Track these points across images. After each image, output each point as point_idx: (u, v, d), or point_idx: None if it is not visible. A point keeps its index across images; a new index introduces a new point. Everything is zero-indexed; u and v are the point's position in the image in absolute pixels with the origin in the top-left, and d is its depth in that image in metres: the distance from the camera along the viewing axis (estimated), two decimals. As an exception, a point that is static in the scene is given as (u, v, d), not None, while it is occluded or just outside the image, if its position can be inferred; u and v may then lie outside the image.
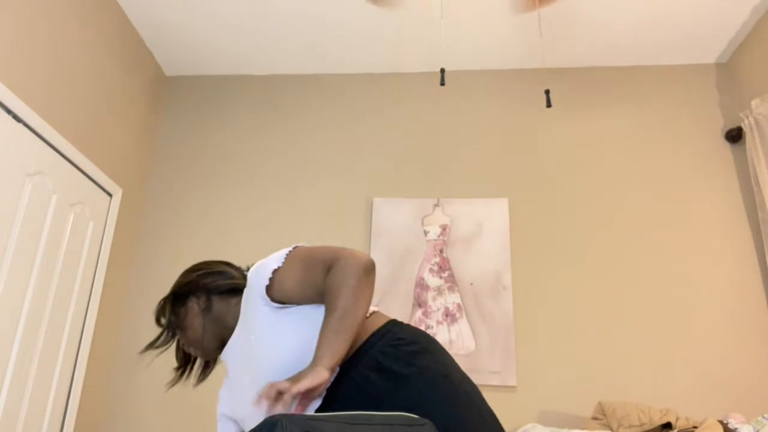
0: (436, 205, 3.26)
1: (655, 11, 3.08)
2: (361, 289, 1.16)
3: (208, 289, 1.36)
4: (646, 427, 2.39)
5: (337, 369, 1.14)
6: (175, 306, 1.36)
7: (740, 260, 3.00)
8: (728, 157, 3.22)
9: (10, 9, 2.38)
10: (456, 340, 2.96)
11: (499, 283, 3.05)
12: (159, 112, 3.69)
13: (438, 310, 3.03)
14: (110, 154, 3.14)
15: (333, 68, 3.65)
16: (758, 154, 2.94)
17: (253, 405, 1.06)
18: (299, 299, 1.23)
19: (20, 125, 2.44)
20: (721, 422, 2.26)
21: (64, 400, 2.77)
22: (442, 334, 2.98)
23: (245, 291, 1.31)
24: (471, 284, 3.07)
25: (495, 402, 2.85)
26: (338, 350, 1.11)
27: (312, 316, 1.21)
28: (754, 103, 2.99)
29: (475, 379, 2.87)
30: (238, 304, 1.34)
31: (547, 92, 2.31)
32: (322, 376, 1.06)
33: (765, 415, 2.29)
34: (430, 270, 3.12)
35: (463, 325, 2.99)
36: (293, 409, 1.07)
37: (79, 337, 2.87)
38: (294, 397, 1.02)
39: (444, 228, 3.20)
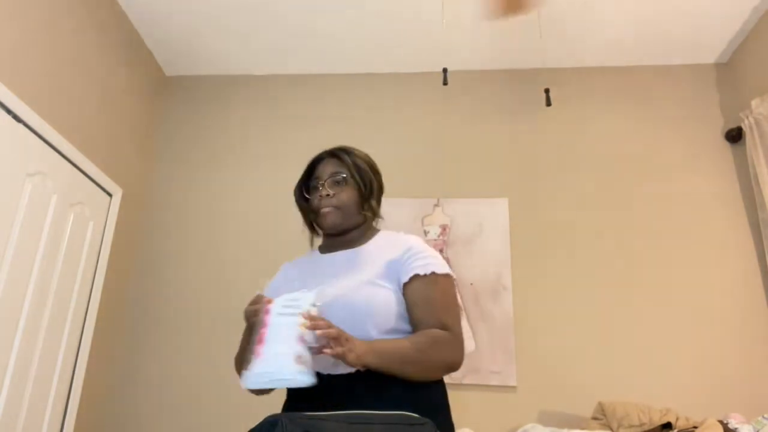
0: (436, 205, 3.26)
1: (655, 11, 3.08)
2: (438, 372, 1.24)
3: (378, 195, 1.48)
4: (646, 427, 2.39)
5: (359, 370, 1.15)
6: (365, 174, 1.42)
7: (740, 260, 3.00)
8: (728, 157, 3.22)
9: (10, 9, 2.38)
10: (456, 340, 2.96)
11: (499, 283, 3.05)
12: (159, 112, 3.69)
13: (438, 310, 3.03)
14: (110, 154, 3.14)
15: (333, 68, 3.65)
16: (758, 154, 2.94)
17: (306, 318, 1.07)
18: (409, 307, 1.26)
19: (20, 125, 2.44)
20: (721, 422, 2.26)
21: (64, 400, 2.77)
22: (442, 334, 2.98)
23: (384, 240, 1.38)
24: (471, 284, 3.07)
25: (495, 402, 2.85)
26: (383, 364, 1.14)
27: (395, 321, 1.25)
28: (754, 103, 2.99)
29: (475, 379, 2.87)
30: (374, 232, 1.42)
31: (547, 91, 2.31)
32: (352, 359, 1.08)
33: (765, 415, 2.29)
34: (430, 270, 3.11)
35: (463, 325, 2.99)
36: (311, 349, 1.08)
37: (79, 337, 2.87)
38: (326, 346, 1.05)
39: (444, 228, 3.20)
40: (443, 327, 1.23)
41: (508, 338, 2.94)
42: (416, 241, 1.36)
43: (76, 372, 2.84)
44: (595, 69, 3.51)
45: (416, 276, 1.26)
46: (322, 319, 1.08)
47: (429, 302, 1.25)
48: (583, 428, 2.55)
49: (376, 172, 1.47)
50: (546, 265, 3.09)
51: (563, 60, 3.48)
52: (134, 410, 3.04)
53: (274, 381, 1.03)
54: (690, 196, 3.16)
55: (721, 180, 3.17)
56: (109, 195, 3.14)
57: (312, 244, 1.48)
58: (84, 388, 2.89)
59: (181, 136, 3.64)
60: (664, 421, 2.37)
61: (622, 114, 3.39)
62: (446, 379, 1.35)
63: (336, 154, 1.42)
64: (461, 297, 3.04)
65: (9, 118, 2.37)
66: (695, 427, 2.27)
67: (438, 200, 3.26)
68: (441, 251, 3.15)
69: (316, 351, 1.06)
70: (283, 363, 1.01)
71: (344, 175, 1.38)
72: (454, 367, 1.23)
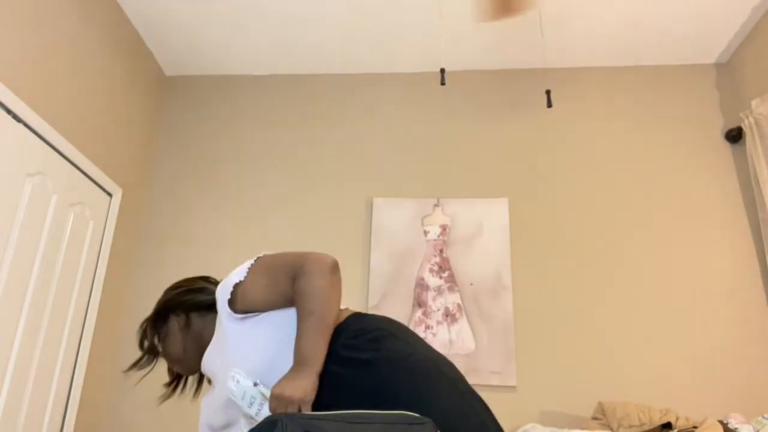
0: (436, 205, 3.26)
1: (655, 11, 3.08)
2: (331, 290, 1.20)
3: (187, 306, 1.39)
4: (646, 427, 2.39)
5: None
6: (156, 325, 1.41)
7: (740, 260, 3.00)
8: (728, 157, 3.22)
9: (10, 9, 2.38)
10: (456, 340, 2.96)
11: (499, 283, 3.05)
12: (159, 112, 3.69)
13: (438, 310, 3.03)
14: (110, 154, 3.14)
15: (333, 68, 3.65)
16: (758, 154, 2.94)
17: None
18: (264, 306, 1.26)
19: (20, 125, 2.44)
20: (721, 422, 2.26)
21: (64, 400, 2.77)
22: (442, 334, 2.99)
23: (217, 307, 1.33)
24: (471, 284, 3.07)
25: (495, 402, 2.85)
26: (322, 353, 1.15)
27: (277, 320, 1.25)
28: (754, 103, 2.99)
29: (475, 379, 2.87)
30: (215, 319, 1.38)
31: (548, 92, 2.31)
32: (315, 382, 1.12)
33: (765, 415, 2.29)
34: (430, 270, 3.12)
35: (463, 325, 2.99)
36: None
37: (79, 337, 2.87)
38: (303, 408, 1.09)
39: (444, 228, 3.20)
40: (294, 275, 1.22)
41: (508, 338, 2.94)
42: (219, 286, 1.34)
43: (76, 372, 2.84)
44: (595, 69, 3.51)
45: (230, 301, 1.26)
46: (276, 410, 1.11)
47: (265, 289, 1.25)
48: (583, 428, 2.55)
49: (171, 299, 1.41)
50: (546, 265, 3.09)
51: (563, 60, 3.48)
52: (134, 410, 3.04)
53: (235, 397, 1.17)
54: (690, 196, 3.16)
55: (721, 180, 3.17)
56: (109, 195, 3.14)
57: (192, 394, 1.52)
58: (84, 388, 2.89)
59: (181, 136, 3.64)
60: (664, 421, 2.37)
61: (622, 114, 3.39)
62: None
63: (140, 342, 1.43)
64: (461, 297, 3.05)
65: (9, 118, 2.37)
66: (695, 427, 2.27)
67: (438, 200, 3.27)
68: (441, 251, 3.15)
69: None
70: (244, 402, 1.16)
71: (146, 356, 1.42)
72: (331, 271, 1.21)
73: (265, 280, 1.26)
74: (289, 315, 1.26)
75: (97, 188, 3.02)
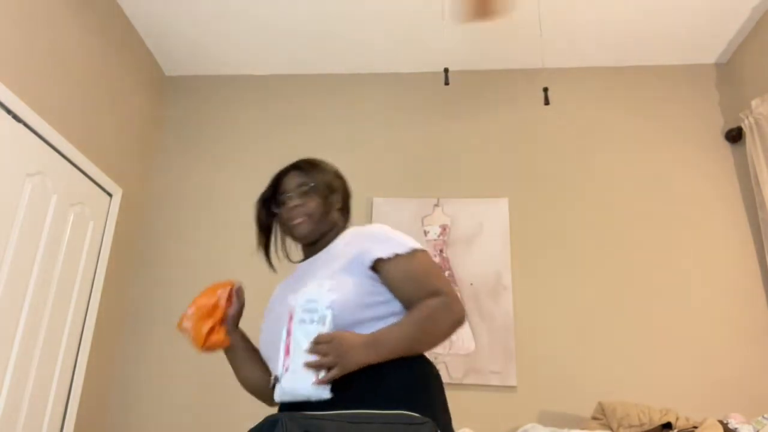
0: (436, 205, 3.26)
1: (655, 11, 3.08)
2: (441, 337, 1.24)
3: (347, 199, 1.48)
4: (646, 427, 2.39)
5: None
6: (331, 181, 1.43)
7: (740, 260, 3.00)
8: (728, 157, 3.22)
9: (10, 9, 2.38)
10: (456, 340, 2.96)
11: (499, 283, 3.05)
12: (159, 112, 3.69)
13: (438, 310, 3.03)
14: (110, 154, 3.14)
15: (333, 68, 3.65)
16: (758, 154, 2.94)
17: (307, 351, 1.12)
18: (392, 290, 1.28)
19: (20, 125, 2.44)
20: (721, 422, 2.26)
21: (64, 400, 2.77)
22: (442, 334, 2.98)
23: (350, 236, 1.37)
24: (471, 284, 3.07)
25: (495, 402, 2.85)
26: (390, 354, 1.17)
27: (389, 313, 1.27)
28: (754, 103, 2.99)
29: (475, 379, 2.87)
30: (340, 231, 1.42)
31: (546, 90, 2.31)
32: (361, 364, 1.12)
33: (765, 415, 2.29)
34: (430, 270, 3.11)
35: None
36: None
37: (79, 337, 2.87)
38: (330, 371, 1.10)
39: (444, 228, 3.20)
40: (432, 293, 1.25)
41: (508, 338, 2.94)
42: (376, 228, 1.36)
43: (76, 372, 2.84)
44: (595, 69, 3.51)
45: (380, 260, 1.27)
46: (321, 343, 1.12)
47: (408, 277, 1.27)
48: (583, 428, 2.55)
49: (340, 177, 1.48)
50: (546, 265, 3.09)
51: (563, 60, 3.48)
52: (134, 410, 3.04)
53: (297, 397, 1.13)
54: (690, 196, 3.16)
55: (721, 180, 3.17)
56: (109, 195, 3.14)
57: (272, 266, 1.48)
58: (84, 388, 2.89)
59: (181, 136, 3.64)
60: (664, 421, 2.37)
61: (621, 114, 3.39)
62: (446, 378, 1.35)
63: (299, 166, 1.44)
64: (461, 297, 3.04)
65: (9, 118, 2.37)
66: (695, 427, 2.27)
67: (438, 200, 3.27)
68: (441, 251, 3.15)
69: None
70: (303, 384, 1.11)
71: (311, 185, 1.39)
72: (458, 323, 1.25)
73: (418, 272, 1.27)
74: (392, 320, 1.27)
75: (97, 188, 3.02)
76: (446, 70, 2.24)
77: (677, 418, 2.38)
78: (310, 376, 1.11)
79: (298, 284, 1.32)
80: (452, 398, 1.36)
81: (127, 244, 3.31)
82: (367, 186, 3.33)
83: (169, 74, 3.79)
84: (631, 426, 2.41)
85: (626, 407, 2.50)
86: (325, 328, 1.14)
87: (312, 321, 1.15)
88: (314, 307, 1.16)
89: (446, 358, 2.91)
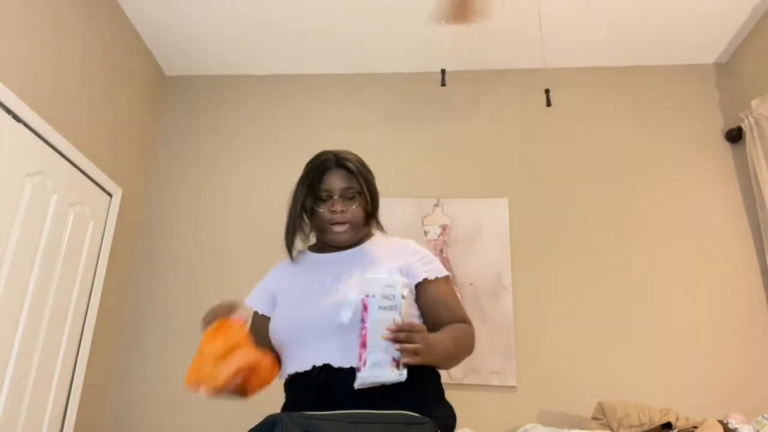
0: (436, 205, 3.26)
1: (655, 11, 3.08)
2: (462, 360, 1.34)
3: (376, 208, 1.48)
4: (646, 427, 2.39)
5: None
6: (374, 188, 1.46)
7: (740, 260, 3.00)
8: (728, 157, 3.22)
9: (10, 9, 2.38)
10: (456, 340, 2.96)
11: (499, 283, 3.05)
12: (159, 112, 3.69)
13: (438, 310, 3.03)
14: (110, 154, 3.14)
15: (333, 68, 3.65)
16: (758, 154, 2.94)
17: (388, 329, 1.12)
18: (424, 310, 1.35)
19: (20, 125, 2.44)
20: (721, 422, 2.26)
21: (64, 400, 2.77)
22: (442, 334, 2.98)
23: (387, 245, 1.42)
24: (471, 284, 3.07)
25: (495, 402, 2.85)
26: (434, 361, 1.20)
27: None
28: (754, 103, 2.99)
29: (475, 379, 2.87)
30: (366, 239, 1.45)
31: (547, 91, 2.31)
32: (420, 362, 1.13)
33: (765, 415, 2.29)
34: (430, 270, 3.11)
35: (463, 325, 2.99)
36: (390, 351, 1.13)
37: (79, 337, 2.87)
38: (412, 351, 1.11)
39: (444, 228, 3.20)
40: (462, 321, 1.35)
41: (508, 338, 2.94)
42: (416, 246, 1.44)
43: (76, 372, 2.84)
44: (595, 69, 3.51)
45: (426, 280, 1.34)
46: (407, 330, 1.12)
47: (445, 302, 1.35)
48: (583, 428, 2.55)
49: (374, 180, 1.48)
50: (546, 265, 3.09)
51: (563, 60, 3.48)
52: (134, 410, 3.04)
53: (375, 384, 1.13)
54: (690, 196, 3.16)
55: (721, 180, 3.17)
56: (109, 195, 3.14)
57: (293, 256, 1.46)
58: (84, 388, 2.89)
59: (181, 136, 3.64)
60: (664, 421, 2.37)
61: (621, 114, 3.39)
62: (446, 378, 1.36)
63: (345, 165, 1.39)
64: (461, 297, 3.04)
65: (9, 118, 2.37)
66: (695, 427, 2.27)
67: (438, 200, 3.26)
68: (441, 251, 3.15)
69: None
70: (383, 371, 1.12)
71: (358, 191, 1.39)
72: (470, 353, 1.36)
73: (451, 294, 1.40)
74: None
75: (97, 188, 3.02)
76: (443, 71, 2.25)
77: (677, 418, 2.38)
78: (389, 364, 1.11)
79: (323, 276, 1.34)
80: (452, 398, 1.36)
81: (127, 244, 3.31)
82: (367, 186, 3.33)
83: (168, 74, 3.79)
84: (631, 426, 2.41)
85: (626, 407, 2.50)
86: (399, 317, 1.15)
87: (390, 308, 1.15)
88: (392, 293, 1.17)
89: (446, 358, 2.91)
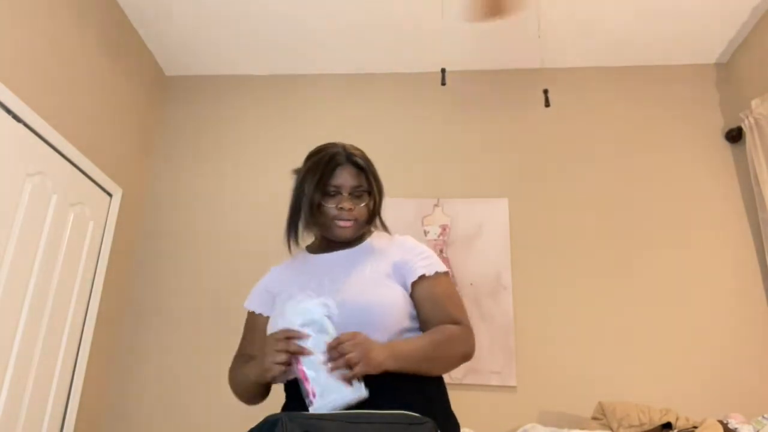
0: (436, 205, 3.26)
1: (655, 11, 3.08)
2: (454, 365, 1.28)
3: (379, 205, 1.45)
4: (646, 427, 2.39)
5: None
6: (381, 186, 1.43)
7: (740, 260, 3.00)
8: (728, 157, 3.22)
9: (10, 9, 2.38)
10: (456, 340, 2.96)
11: (499, 283, 3.05)
12: (159, 112, 3.69)
13: (438, 310, 3.03)
14: (110, 154, 3.14)
15: (333, 68, 3.65)
16: (758, 154, 2.94)
17: (322, 353, 1.09)
18: (417, 307, 1.31)
19: (20, 125, 2.44)
20: (721, 422, 2.26)
21: (64, 400, 2.77)
22: (442, 334, 2.98)
23: (386, 241, 1.40)
24: (471, 284, 3.07)
25: (495, 402, 2.85)
26: (403, 366, 1.16)
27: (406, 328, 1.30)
28: (754, 103, 2.99)
29: (475, 379, 2.87)
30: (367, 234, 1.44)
31: (546, 92, 2.31)
32: (371, 371, 1.10)
33: (765, 415, 2.29)
34: (430, 270, 3.11)
35: (463, 325, 2.99)
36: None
37: (79, 337, 2.87)
38: (353, 372, 1.08)
39: (444, 228, 3.20)
40: (454, 321, 1.29)
41: (508, 338, 2.94)
42: (414, 242, 1.40)
43: (76, 372, 2.84)
44: (595, 69, 3.51)
45: (423, 276, 1.31)
46: (343, 342, 1.10)
47: (437, 300, 1.30)
48: (583, 428, 2.55)
49: (380, 178, 1.46)
50: (546, 265, 3.09)
51: (562, 60, 3.48)
52: (134, 410, 3.04)
53: (337, 407, 1.07)
54: (690, 196, 3.16)
55: (721, 180, 3.17)
56: (109, 195, 3.14)
57: (291, 251, 1.45)
58: (84, 388, 2.89)
59: (181, 136, 3.64)
60: (664, 421, 2.37)
61: (621, 114, 3.39)
62: (446, 378, 1.36)
63: (357, 163, 1.38)
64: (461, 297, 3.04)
65: (9, 118, 2.37)
66: (695, 427, 2.27)
67: (438, 200, 3.26)
68: (441, 251, 3.15)
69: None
70: (338, 394, 1.07)
71: (366, 190, 1.38)
72: (468, 357, 1.29)
73: (447, 291, 1.34)
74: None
75: (97, 188, 3.02)
76: (443, 71, 2.24)
77: (677, 418, 2.38)
78: (340, 385, 1.07)
79: (318, 278, 1.33)
80: (452, 398, 1.36)
81: (127, 244, 3.31)
82: (367, 186, 3.33)
83: (169, 74, 3.79)
84: (631, 426, 2.41)
85: (626, 407, 2.50)
86: (331, 336, 1.12)
87: (319, 331, 1.12)
88: (311, 318, 1.13)
89: (446, 358, 2.91)
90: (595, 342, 2.92)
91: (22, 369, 2.45)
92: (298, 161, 1.55)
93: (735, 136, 3.18)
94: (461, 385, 2.87)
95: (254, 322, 1.45)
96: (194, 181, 3.51)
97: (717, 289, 2.96)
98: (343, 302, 1.22)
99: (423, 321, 1.30)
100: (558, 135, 3.38)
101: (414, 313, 1.31)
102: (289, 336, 1.12)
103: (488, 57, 3.48)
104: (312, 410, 1.06)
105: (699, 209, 3.13)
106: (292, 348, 1.10)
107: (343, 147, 1.39)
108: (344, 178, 1.36)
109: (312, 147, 1.51)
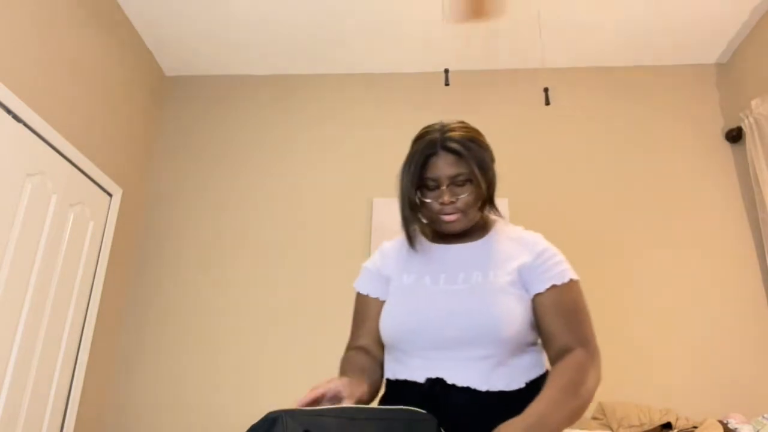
0: (436, 205, 3.25)
1: (655, 11, 3.08)
2: (582, 411, 1.07)
3: (492, 192, 1.28)
4: (646, 427, 2.39)
5: None
6: (488, 168, 1.24)
7: (740, 260, 3.00)
8: (728, 157, 3.22)
9: (10, 9, 2.38)
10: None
11: (500, 283, 3.04)
12: (159, 112, 3.69)
13: (438, 310, 3.03)
14: (110, 154, 3.14)
15: (333, 68, 3.65)
16: (758, 154, 2.94)
17: None
18: (539, 316, 1.17)
19: (20, 125, 2.44)
20: (721, 422, 2.26)
21: (64, 400, 2.77)
22: (442, 334, 2.98)
23: (516, 240, 1.25)
24: (471, 284, 3.06)
25: (495, 402, 2.84)
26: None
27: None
28: (754, 103, 2.99)
29: (475, 379, 2.87)
30: (485, 221, 1.30)
31: (546, 90, 2.31)
32: None
33: (765, 415, 2.29)
34: (430, 270, 3.11)
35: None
36: None
37: (79, 337, 2.87)
38: None
39: (444, 228, 3.19)
40: (582, 341, 1.14)
41: (508, 338, 2.93)
42: (545, 244, 1.24)
43: (76, 372, 2.84)
44: (595, 69, 3.51)
45: (553, 286, 1.16)
46: None
47: (565, 314, 1.15)
48: (583, 428, 2.55)
49: (492, 159, 1.27)
50: (546, 265, 3.09)
51: (563, 60, 3.48)
52: (134, 410, 3.04)
53: None
54: (690, 196, 3.16)
55: (721, 180, 3.17)
56: (109, 195, 3.14)
57: (413, 242, 1.30)
58: (84, 388, 2.89)
59: (181, 136, 3.64)
60: (664, 421, 2.37)
61: (621, 114, 3.39)
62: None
63: (453, 149, 1.20)
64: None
65: (9, 118, 2.37)
66: (695, 427, 2.27)
67: (438, 200, 3.26)
68: (441, 251, 3.14)
69: None
70: None
71: (467, 177, 1.21)
72: (598, 384, 1.12)
73: (577, 304, 1.17)
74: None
75: (97, 188, 3.02)
76: (446, 71, 2.24)
77: (677, 418, 2.38)
78: None
79: (437, 272, 1.22)
80: (452, 396, 1.35)
81: (127, 244, 3.31)
82: (367, 187, 3.33)
83: (169, 74, 3.80)
84: (631, 426, 2.41)
85: (626, 407, 2.50)
86: None
87: None
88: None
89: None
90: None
91: (22, 369, 2.45)
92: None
93: (735, 136, 3.18)
94: (461, 385, 2.86)
95: (366, 307, 1.33)
96: (194, 180, 3.51)
97: (717, 289, 2.96)
98: (460, 311, 1.13)
99: (545, 333, 1.16)
100: (558, 135, 3.38)
101: (532, 322, 1.17)
102: None
103: (489, 57, 3.48)
104: None
105: (699, 209, 3.13)
106: None
107: (441, 130, 1.23)
108: (440, 168, 1.21)
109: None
